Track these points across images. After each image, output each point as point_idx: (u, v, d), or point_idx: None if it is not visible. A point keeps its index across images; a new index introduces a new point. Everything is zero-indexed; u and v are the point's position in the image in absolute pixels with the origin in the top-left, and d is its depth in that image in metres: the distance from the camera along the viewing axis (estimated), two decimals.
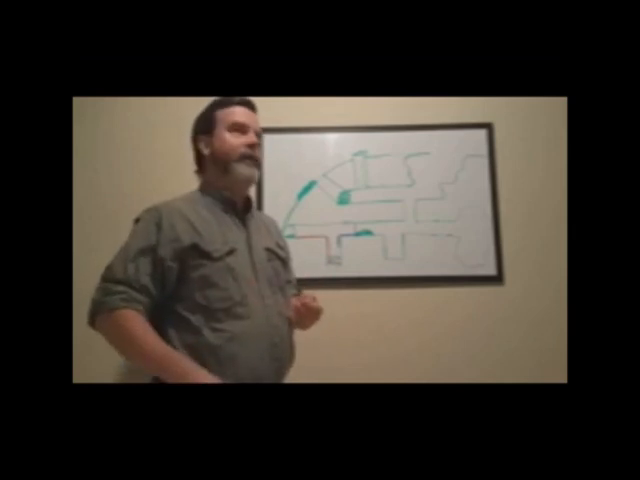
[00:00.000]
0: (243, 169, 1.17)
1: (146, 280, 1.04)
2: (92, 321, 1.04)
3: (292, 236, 1.71)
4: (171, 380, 0.96)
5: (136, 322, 1.00)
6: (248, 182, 1.20)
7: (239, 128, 1.18)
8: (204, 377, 0.96)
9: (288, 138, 1.78)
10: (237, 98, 1.21)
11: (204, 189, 1.21)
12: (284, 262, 1.25)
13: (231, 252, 1.10)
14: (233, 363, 1.03)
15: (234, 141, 1.16)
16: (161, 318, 1.07)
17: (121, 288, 1.02)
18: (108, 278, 1.04)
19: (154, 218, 1.09)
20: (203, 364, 1.01)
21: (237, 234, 1.15)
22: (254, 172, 1.19)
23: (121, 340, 1.01)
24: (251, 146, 1.17)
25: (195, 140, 1.23)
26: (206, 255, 1.07)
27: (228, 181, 1.18)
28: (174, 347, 1.03)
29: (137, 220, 1.13)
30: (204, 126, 1.21)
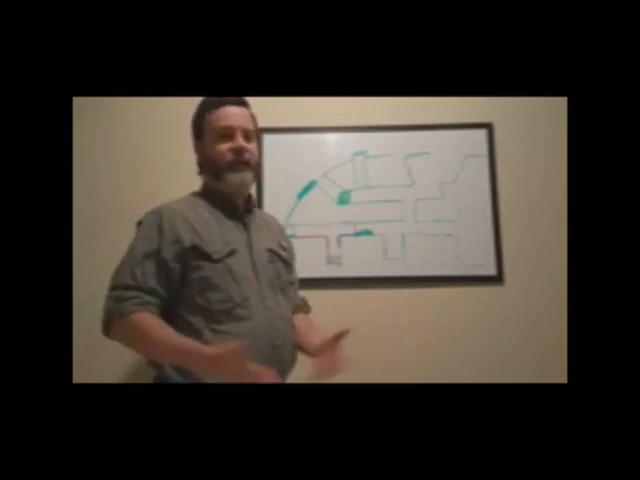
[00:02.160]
0: (233, 177, 1.15)
1: (154, 282, 1.04)
2: (107, 330, 1.04)
3: (292, 236, 1.70)
4: (196, 369, 0.96)
5: (152, 322, 1.01)
6: (242, 187, 1.19)
7: (225, 133, 1.15)
8: (225, 350, 0.93)
9: (288, 138, 1.78)
10: (225, 98, 1.18)
11: (205, 191, 1.21)
12: (286, 263, 1.25)
13: (231, 253, 1.10)
14: None
15: (220, 149, 1.15)
16: (163, 320, 1.08)
17: (132, 293, 1.03)
18: (117, 285, 1.05)
19: (155, 220, 1.09)
20: None
21: (238, 235, 1.15)
22: (245, 176, 1.17)
23: (141, 342, 1.02)
24: (237, 151, 1.15)
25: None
26: (206, 256, 1.07)
27: (223, 186, 1.17)
28: None
29: (139, 223, 1.14)
30: (196, 131, 1.21)
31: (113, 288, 1.05)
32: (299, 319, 1.28)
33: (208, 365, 0.94)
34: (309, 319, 1.33)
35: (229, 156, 1.15)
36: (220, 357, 0.93)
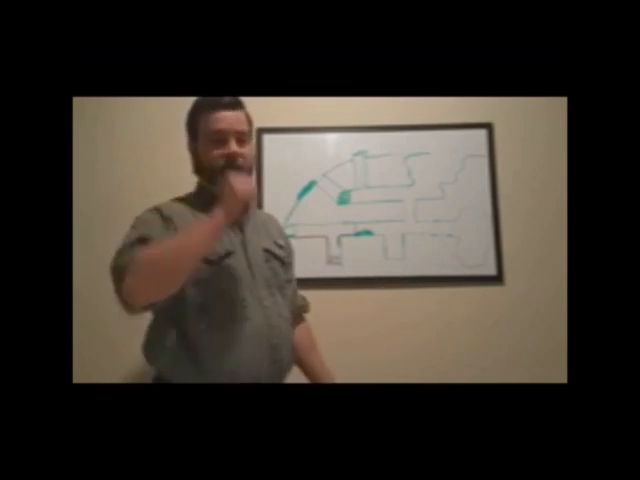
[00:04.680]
0: None
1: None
2: (119, 284, 0.97)
3: (292, 236, 1.70)
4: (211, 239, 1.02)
5: (156, 246, 0.99)
6: None
7: (218, 137, 1.13)
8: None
9: (288, 138, 1.78)
10: (219, 100, 1.15)
11: (199, 192, 1.21)
12: (283, 262, 1.25)
13: (228, 255, 1.10)
14: (231, 365, 1.03)
15: (213, 154, 1.13)
16: (161, 321, 1.08)
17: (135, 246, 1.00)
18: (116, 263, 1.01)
19: (156, 216, 1.09)
20: (201, 366, 1.02)
21: (233, 237, 1.15)
22: None
23: (158, 269, 0.96)
24: (230, 157, 1.13)
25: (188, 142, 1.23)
26: (202, 258, 1.07)
27: (217, 190, 1.16)
28: (173, 349, 1.04)
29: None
30: (189, 131, 1.20)
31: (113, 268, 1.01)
32: (302, 335, 1.31)
33: (213, 229, 1.01)
34: (311, 336, 1.36)
35: (222, 162, 1.13)
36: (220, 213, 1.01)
